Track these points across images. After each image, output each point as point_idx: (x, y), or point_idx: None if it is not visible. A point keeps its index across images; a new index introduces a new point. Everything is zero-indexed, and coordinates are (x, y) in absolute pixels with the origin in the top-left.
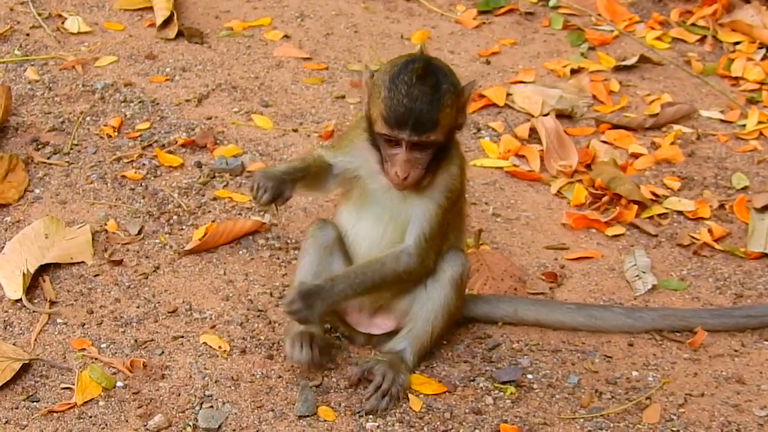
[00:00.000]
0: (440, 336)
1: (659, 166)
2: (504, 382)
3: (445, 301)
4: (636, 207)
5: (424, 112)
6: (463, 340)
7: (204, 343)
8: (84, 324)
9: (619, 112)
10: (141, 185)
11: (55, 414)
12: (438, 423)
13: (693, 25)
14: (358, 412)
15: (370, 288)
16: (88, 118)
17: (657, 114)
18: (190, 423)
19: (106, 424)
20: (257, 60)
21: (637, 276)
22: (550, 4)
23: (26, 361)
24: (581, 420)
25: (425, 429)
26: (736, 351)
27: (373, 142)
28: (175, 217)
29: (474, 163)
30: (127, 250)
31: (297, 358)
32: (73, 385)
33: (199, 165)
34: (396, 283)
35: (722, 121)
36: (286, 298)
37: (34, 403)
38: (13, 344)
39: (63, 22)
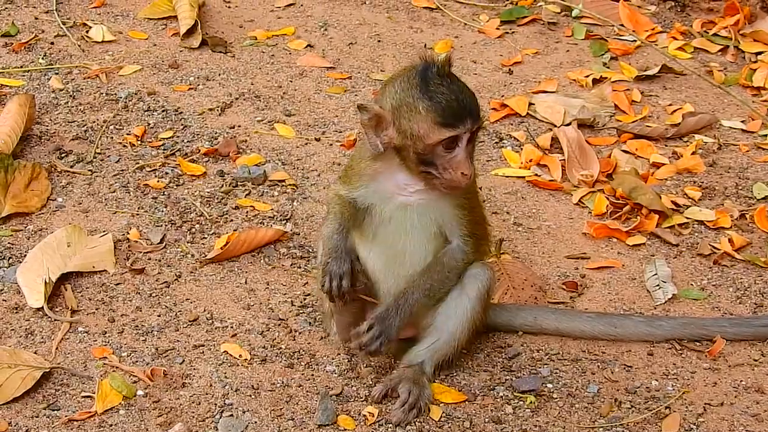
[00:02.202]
0: (462, 348)
1: (680, 175)
2: (524, 392)
3: (472, 315)
4: (657, 216)
5: (472, 99)
6: (483, 349)
7: (225, 351)
8: (105, 332)
9: (640, 122)
10: (163, 194)
11: (75, 422)
12: None
13: (715, 35)
14: (378, 421)
15: (438, 290)
16: (111, 127)
17: (678, 124)
18: None
19: None
20: (280, 69)
21: (658, 285)
22: (573, 14)
23: (47, 370)
24: (601, 429)
25: None
26: (755, 360)
27: (415, 164)
28: (197, 225)
29: (496, 172)
30: (149, 259)
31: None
32: (94, 393)
33: (221, 174)
34: (459, 277)
35: (744, 131)
36: (358, 332)
37: (55, 412)
38: (35, 352)
39: (87, 31)
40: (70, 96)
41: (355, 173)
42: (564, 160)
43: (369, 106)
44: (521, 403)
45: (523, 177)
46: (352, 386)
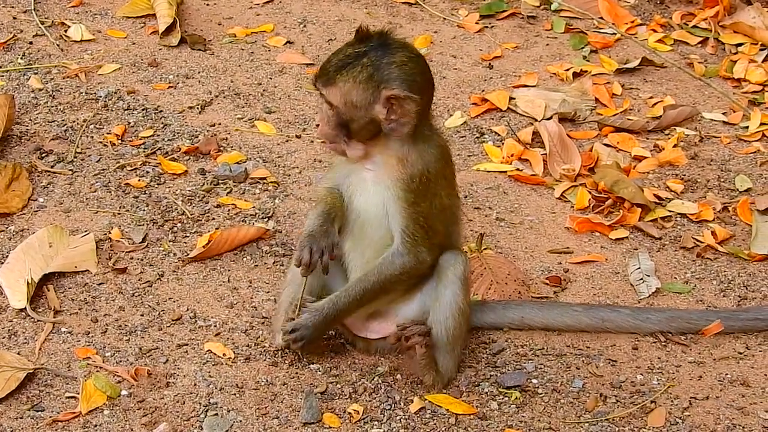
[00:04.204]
0: (460, 336)
1: (662, 168)
2: (509, 387)
3: (455, 299)
4: (639, 210)
5: (330, 66)
6: (467, 345)
7: (208, 350)
8: (88, 332)
9: (621, 115)
10: (145, 193)
11: (59, 423)
12: (443, 428)
13: (695, 27)
14: (363, 419)
15: (372, 296)
16: (91, 126)
17: (660, 116)
18: (195, 431)
19: None
20: (260, 66)
21: (641, 279)
22: (552, 7)
23: (31, 371)
24: (586, 424)
25: None
26: (740, 353)
27: None
28: (178, 224)
29: (477, 167)
30: (131, 258)
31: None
32: (78, 394)
33: (202, 172)
34: (398, 284)
35: (725, 123)
36: (286, 326)
37: (39, 413)
38: (18, 353)
39: (66, 31)
40: (50, 96)
41: (333, 163)
42: (545, 154)
43: None
44: (506, 398)
45: (505, 172)
46: (337, 384)
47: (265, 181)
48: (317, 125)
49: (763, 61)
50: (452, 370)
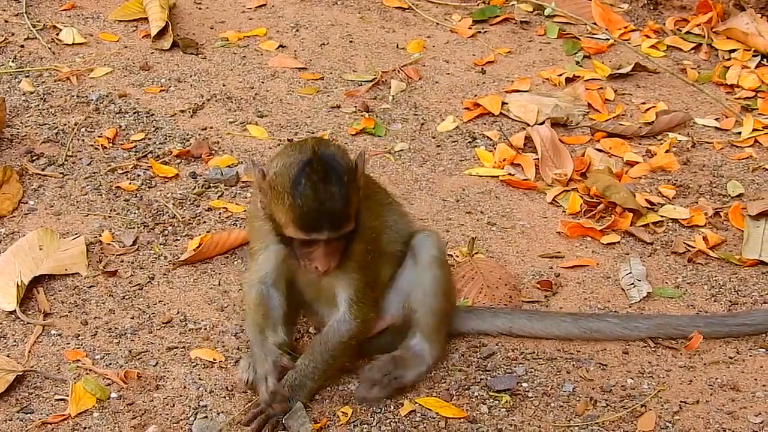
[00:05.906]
0: (444, 322)
1: (654, 174)
2: (499, 391)
3: (435, 282)
4: (631, 215)
5: (337, 212)
6: (458, 348)
7: (198, 353)
8: (78, 335)
9: (614, 121)
10: (136, 196)
11: (49, 425)
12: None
13: (688, 33)
14: (353, 422)
15: (327, 367)
16: (82, 130)
17: (652, 122)
18: None
19: None
20: (252, 70)
21: (632, 284)
22: (546, 13)
23: (20, 373)
24: (576, 428)
25: None
26: (731, 358)
27: (283, 239)
28: (169, 227)
29: (469, 172)
30: (122, 261)
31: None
32: (67, 396)
33: (193, 175)
34: (350, 349)
35: (717, 128)
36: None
37: (28, 415)
38: (7, 356)
39: (58, 34)
40: (41, 99)
41: (256, 250)
42: (537, 159)
43: (256, 171)
44: (496, 402)
45: (497, 176)
46: (326, 386)
47: None
48: (326, 269)
49: (755, 67)
50: (439, 355)
